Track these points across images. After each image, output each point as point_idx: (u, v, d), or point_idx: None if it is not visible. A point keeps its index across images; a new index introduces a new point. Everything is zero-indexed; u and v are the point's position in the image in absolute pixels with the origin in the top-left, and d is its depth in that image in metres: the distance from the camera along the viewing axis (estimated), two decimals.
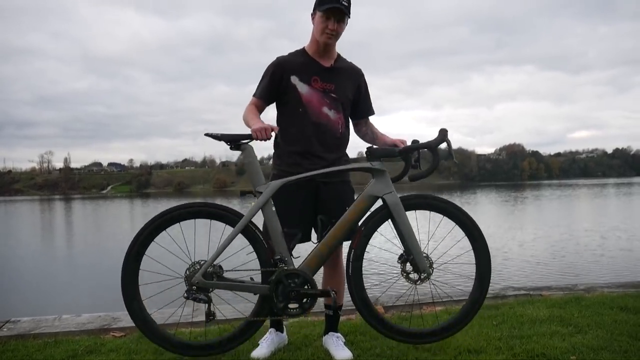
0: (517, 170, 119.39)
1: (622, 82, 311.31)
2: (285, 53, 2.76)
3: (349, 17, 2.59)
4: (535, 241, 13.18)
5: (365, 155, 2.55)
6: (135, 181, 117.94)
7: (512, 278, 8.43)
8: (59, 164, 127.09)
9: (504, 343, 2.77)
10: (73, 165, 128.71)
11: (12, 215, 37.85)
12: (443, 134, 2.46)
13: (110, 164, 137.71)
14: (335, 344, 2.69)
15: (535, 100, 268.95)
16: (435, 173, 2.63)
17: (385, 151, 2.54)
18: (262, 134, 2.41)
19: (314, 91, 2.64)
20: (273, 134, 2.47)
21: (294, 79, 2.63)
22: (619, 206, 27.50)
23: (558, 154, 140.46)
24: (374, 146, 2.55)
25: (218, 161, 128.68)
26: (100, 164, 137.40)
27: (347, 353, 2.62)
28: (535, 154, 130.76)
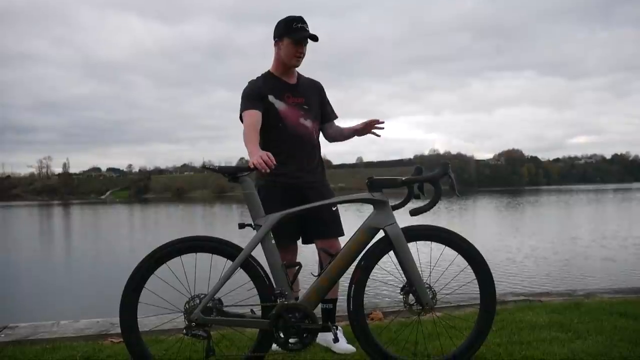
0: (516, 176, 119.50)
1: (622, 87, 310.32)
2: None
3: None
4: (531, 247, 13.17)
5: (367, 186, 2.48)
6: (134, 186, 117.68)
7: (511, 284, 8.43)
8: (57, 169, 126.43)
9: (503, 349, 2.77)
10: (72, 170, 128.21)
11: (10, 220, 37.80)
12: (445, 168, 2.43)
13: (109, 169, 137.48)
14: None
15: (534, 106, 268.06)
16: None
17: (387, 181, 2.48)
18: (263, 165, 2.39)
19: (289, 106, 2.89)
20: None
21: (271, 98, 2.86)
22: (615, 213, 27.52)
23: (557, 160, 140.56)
24: (375, 177, 2.47)
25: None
26: (99, 169, 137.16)
27: (348, 346, 2.76)
28: (534, 159, 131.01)
